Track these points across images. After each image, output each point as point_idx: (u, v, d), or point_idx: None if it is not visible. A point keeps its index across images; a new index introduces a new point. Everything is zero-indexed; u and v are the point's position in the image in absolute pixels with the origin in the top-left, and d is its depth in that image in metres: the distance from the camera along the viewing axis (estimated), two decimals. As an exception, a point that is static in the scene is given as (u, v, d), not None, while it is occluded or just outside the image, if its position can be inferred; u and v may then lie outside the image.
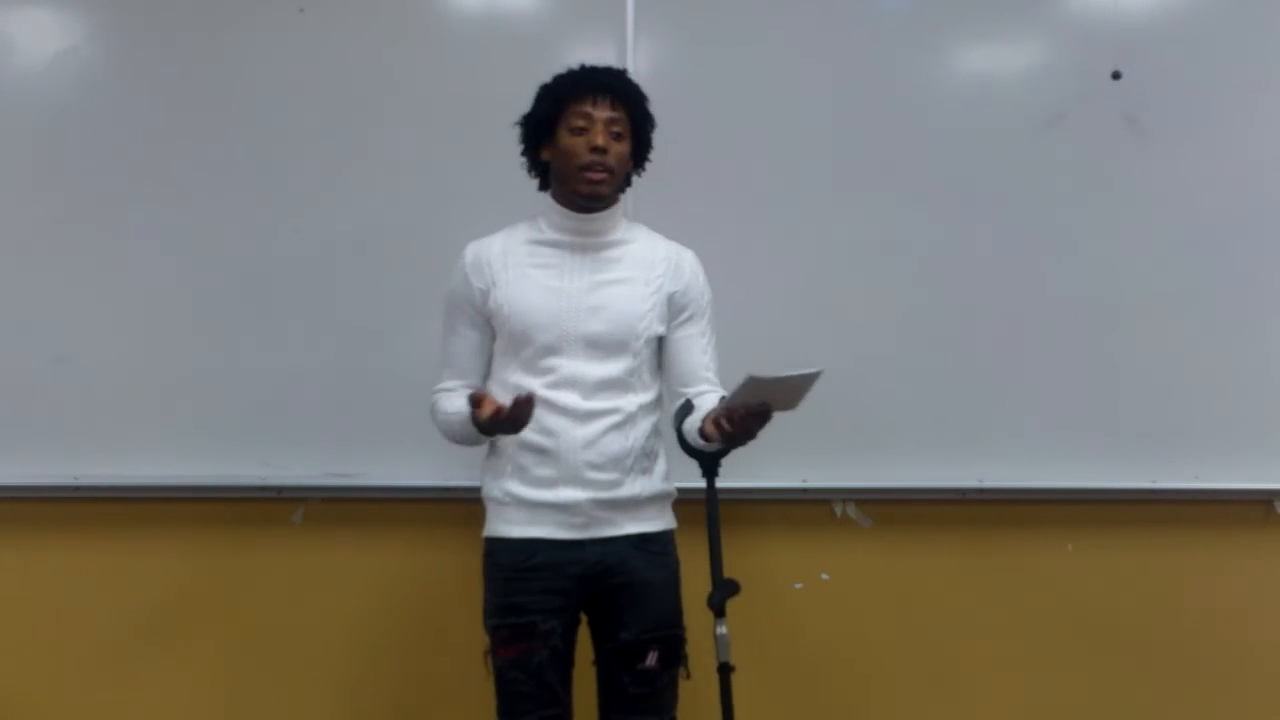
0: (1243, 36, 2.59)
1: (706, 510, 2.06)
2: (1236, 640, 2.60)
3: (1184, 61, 2.57)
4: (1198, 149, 2.57)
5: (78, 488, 2.51)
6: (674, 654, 1.99)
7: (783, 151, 2.54)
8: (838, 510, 2.57)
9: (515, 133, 2.05)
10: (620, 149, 1.98)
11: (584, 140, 1.94)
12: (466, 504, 2.43)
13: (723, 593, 1.99)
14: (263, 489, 2.52)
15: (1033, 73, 2.61)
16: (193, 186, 2.53)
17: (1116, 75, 2.55)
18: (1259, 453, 2.54)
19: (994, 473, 2.53)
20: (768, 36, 2.55)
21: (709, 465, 2.06)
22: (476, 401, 1.84)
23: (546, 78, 2.02)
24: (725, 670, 2.01)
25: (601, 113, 1.95)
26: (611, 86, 1.97)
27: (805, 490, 2.53)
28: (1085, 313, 2.54)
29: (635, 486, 1.98)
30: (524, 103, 2.04)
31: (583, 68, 2.00)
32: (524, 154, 2.05)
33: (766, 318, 2.48)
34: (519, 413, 1.81)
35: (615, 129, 1.96)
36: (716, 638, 1.99)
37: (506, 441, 1.97)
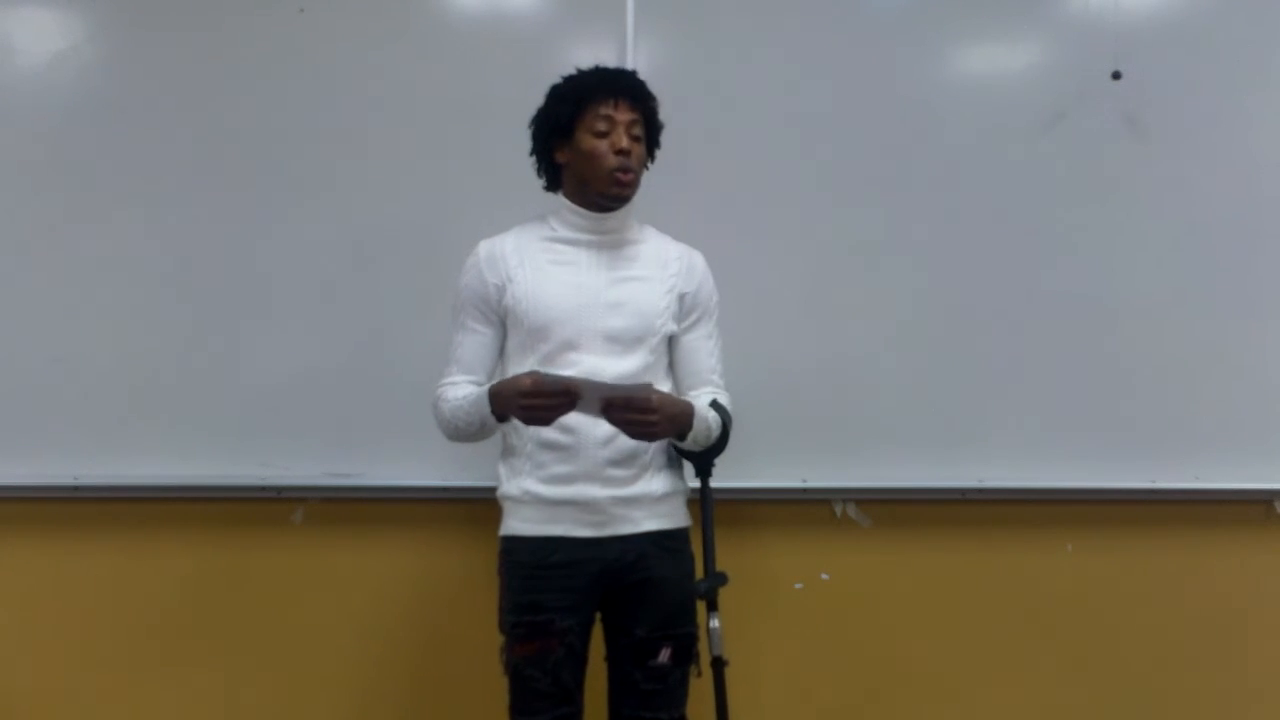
0: (1243, 36, 2.58)
1: (701, 506, 2.06)
2: (1236, 640, 2.59)
3: (1184, 61, 2.57)
4: (1198, 149, 2.57)
5: (78, 488, 2.51)
6: (686, 651, 2.00)
7: (783, 151, 2.54)
8: (838, 510, 2.57)
9: (516, 132, 2.04)
10: (640, 151, 2.01)
11: (608, 143, 1.96)
12: (467, 504, 2.44)
13: (712, 582, 1.99)
14: (263, 489, 2.52)
15: (1033, 73, 2.60)
16: (192, 186, 2.53)
17: (1116, 75, 2.55)
18: (1259, 453, 2.54)
19: (994, 473, 2.53)
20: (767, 37, 2.55)
21: (702, 465, 2.07)
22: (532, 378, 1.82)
23: (551, 78, 2.02)
24: (719, 665, 2.01)
25: (623, 115, 1.97)
26: (631, 88, 1.99)
27: (805, 490, 2.53)
28: (1085, 313, 2.54)
29: (652, 483, 1.99)
30: (525, 103, 2.04)
31: (598, 69, 2.01)
32: (534, 154, 2.05)
33: (766, 318, 2.48)
34: (561, 401, 1.81)
35: (635, 131, 1.99)
36: (710, 631, 2.00)
37: (525, 439, 1.97)
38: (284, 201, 2.53)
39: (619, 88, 1.98)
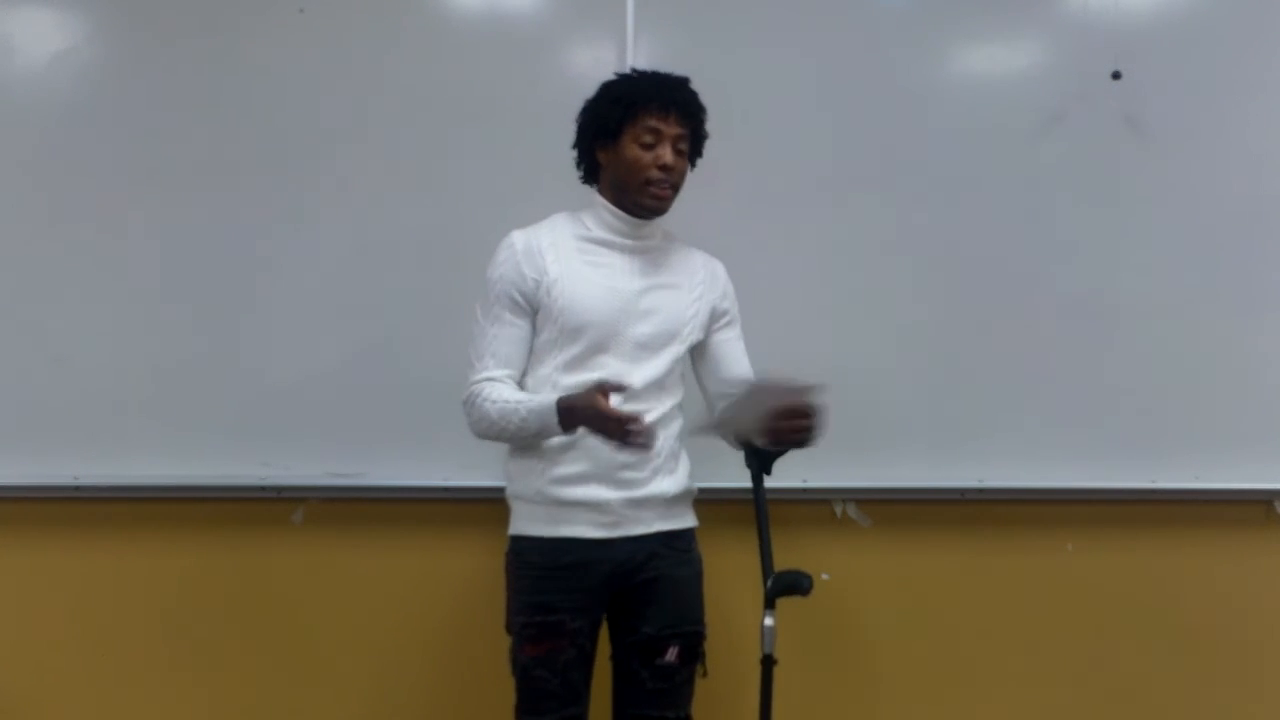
0: (1243, 36, 2.58)
1: (756, 506, 2.04)
2: (1236, 640, 2.60)
3: (1184, 61, 2.57)
4: (1198, 149, 2.57)
5: (78, 488, 2.50)
6: (694, 650, 2.01)
7: (783, 152, 2.54)
8: (838, 510, 2.57)
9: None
10: (683, 165, 2.00)
11: (652, 156, 1.94)
12: (468, 504, 2.44)
13: (799, 581, 1.95)
14: (263, 489, 2.51)
15: (1033, 73, 2.60)
16: (192, 186, 2.52)
17: (1116, 75, 2.55)
18: (1259, 453, 2.54)
19: (994, 473, 2.53)
20: (768, 36, 2.55)
21: (767, 465, 2.04)
22: (602, 391, 1.78)
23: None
24: (768, 662, 1.97)
25: (672, 129, 1.95)
26: (685, 103, 1.97)
27: (805, 490, 2.53)
28: (1085, 313, 2.54)
29: (663, 484, 1.99)
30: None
31: (656, 76, 1.99)
32: (576, 147, 2.03)
33: (766, 318, 2.46)
34: (643, 439, 1.79)
35: (681, 145, 1.98)
36: (764, 629, 1.95)
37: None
38: (283, 201, 2.53)
39: (672, 100, 1.95)
